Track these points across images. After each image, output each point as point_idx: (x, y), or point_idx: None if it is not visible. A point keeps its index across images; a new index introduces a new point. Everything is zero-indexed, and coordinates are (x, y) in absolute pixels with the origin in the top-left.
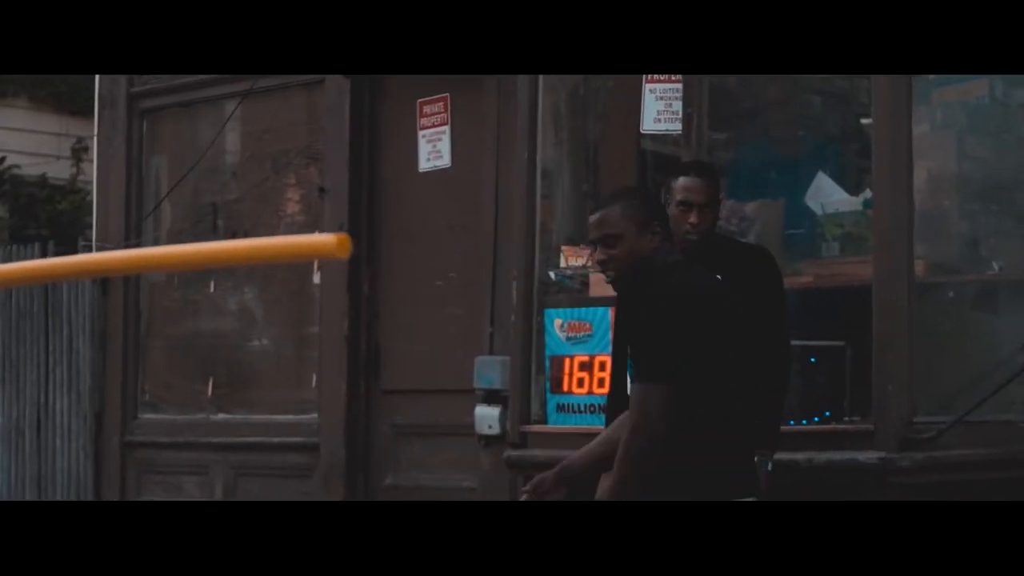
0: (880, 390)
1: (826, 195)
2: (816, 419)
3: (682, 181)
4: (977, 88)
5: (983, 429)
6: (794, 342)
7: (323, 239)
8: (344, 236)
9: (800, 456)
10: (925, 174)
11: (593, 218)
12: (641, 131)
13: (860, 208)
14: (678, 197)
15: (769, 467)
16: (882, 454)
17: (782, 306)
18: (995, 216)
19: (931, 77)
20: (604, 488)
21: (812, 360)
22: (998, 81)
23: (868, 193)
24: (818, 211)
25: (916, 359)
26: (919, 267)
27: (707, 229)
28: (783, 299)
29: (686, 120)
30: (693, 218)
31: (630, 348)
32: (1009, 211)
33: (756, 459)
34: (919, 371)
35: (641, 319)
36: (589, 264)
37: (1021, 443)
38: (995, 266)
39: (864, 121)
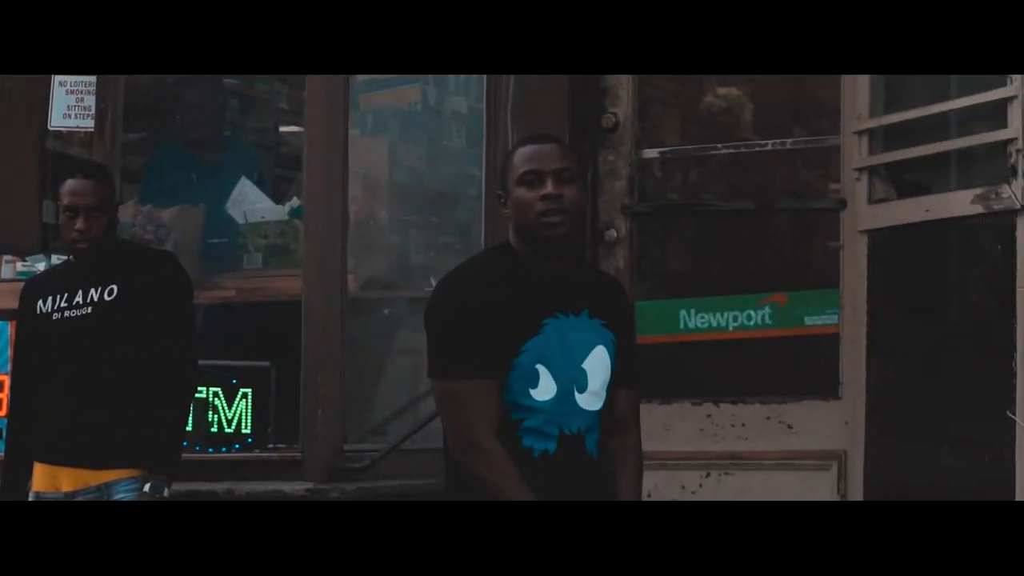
0: (309, 415)
1: (250, 203)
2: (237, 446)
3: (69, 184)
4: (410, 94)
5: (418, 457)
6: (214, 361)
7: None
8: None
9: (219, 486)
10: (357, 183)
11: (546, 146)
12: (49, 127)
13: (286, 218)
14: (64, 201)
15: (165, 493)
16: (310, 485)
17: (187, 318)
18: (434, 229)
19: (360, 80)
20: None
21: (234, 381)
22: (431, 87)
23: (295, 202)
24: (240, 219)
25: (348, 382)
26: (350, 282)
27: (98, 236)
28: (189, 310)
29: (99, 117)
30: (80, 224)
31: (622, 340)
32: (448, 224)
33: (148, 486)
34: (351, 395)
35: (624, 308)
36: None
37: None
38: (433, 282)
39: (284, 129)
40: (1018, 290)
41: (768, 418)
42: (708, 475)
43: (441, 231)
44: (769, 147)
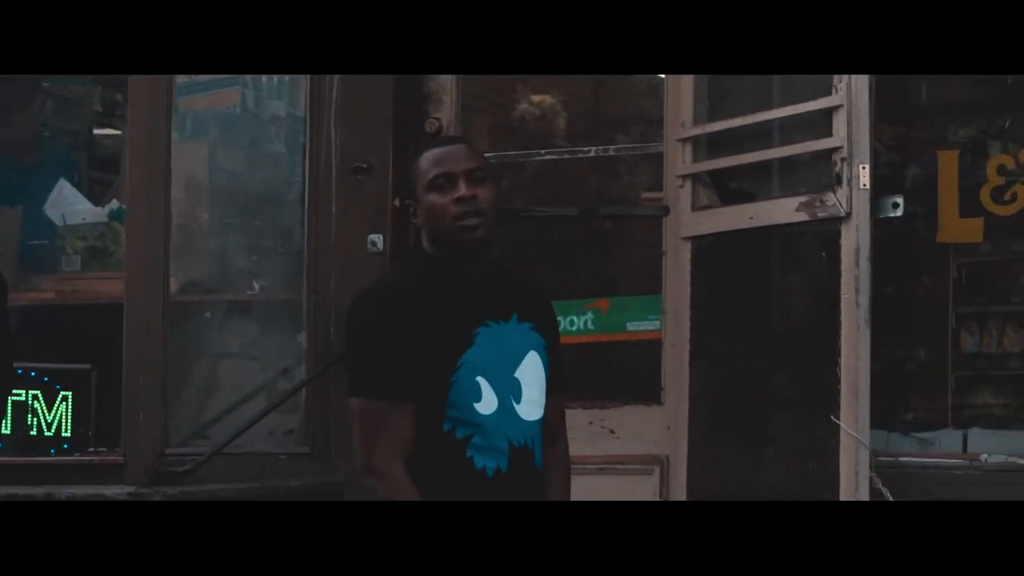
0: (131, 418)
1: (69, 204)
2: (56, 450)
3: None
4: (229, 97)
5: (241, 461)
6: (34, 364)
7: None
8: None
9: (39, 490)
10: (178, 186)
11: (453, 147)
12: None
13: (106, 220)
14: None
15: None
16: (132, 489)
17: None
18: (255, 232)
19: (179, 82)
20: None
21: (56, 386)
22: (250, 91)
23: (114, 204)
24: (59, 221)
25: (170, 384)
26: (171, 284)
27: None
28: (2, 312)
29: None
30: None
31: (551, 344)
32: (270, 228)
33: None
34: (173, 397)
35: (549, 311)
36: None
37: (278, 476)
38: (255, 285)
39: (98, 131)
40: (843, 296)
41: (591, 423)
42: None
43: (263, 235)
44: (592, 153)
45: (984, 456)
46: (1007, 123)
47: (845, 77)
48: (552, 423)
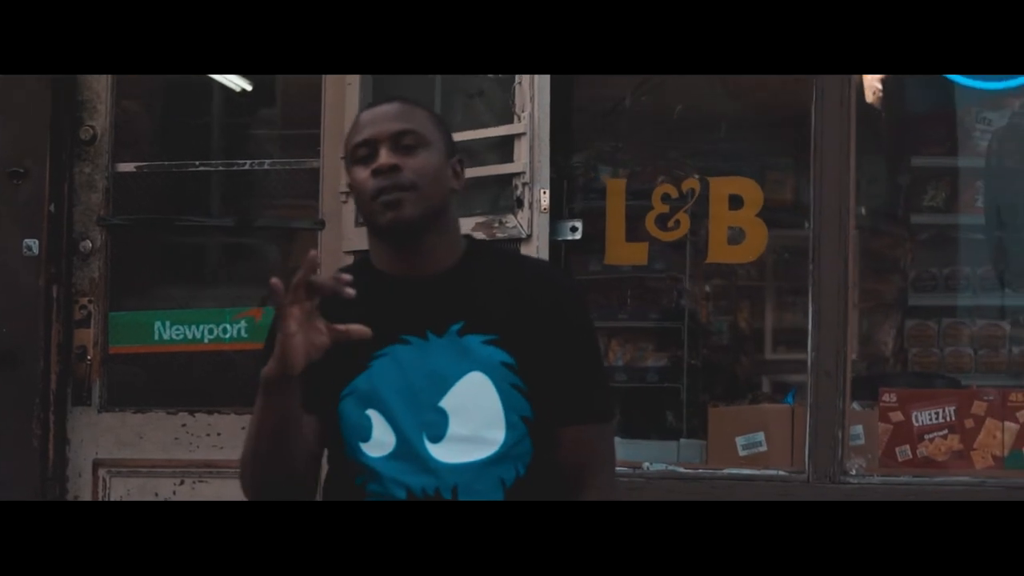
0: None
1: None
2: None
3: None
4: None
5: None
6: None
7: None
8: None
9: None
10: None
11: (382, 108)
12: None
13: None
14: None
15: None
16: None
17: None
18: None
19: None
20: None
21: None
22: None
23: None
24: None
25: None
26: None
27: None
28: None
29: None
30: None
31: (532, 362)
32: None
33: None
34: None
35: (546, 318)
36: None
37: None
38: None
39: None
40: None
41: (243, 428)
42: (182, 483)
43: None
44: (248, 167)
45: (646, 464)
46: (615, 148)
47: (528, 106)
48: (572, 463)
